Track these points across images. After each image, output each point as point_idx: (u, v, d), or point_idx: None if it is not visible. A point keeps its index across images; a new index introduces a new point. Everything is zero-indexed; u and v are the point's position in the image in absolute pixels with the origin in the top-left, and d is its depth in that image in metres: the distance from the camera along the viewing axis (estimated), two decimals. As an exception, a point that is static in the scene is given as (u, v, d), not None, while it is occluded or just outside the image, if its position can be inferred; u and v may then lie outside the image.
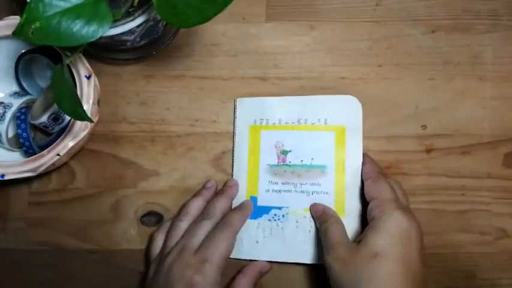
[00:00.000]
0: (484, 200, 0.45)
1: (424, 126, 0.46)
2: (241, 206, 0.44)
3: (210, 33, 0.48)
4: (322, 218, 0.42)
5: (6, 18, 0.41)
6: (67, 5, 0.34)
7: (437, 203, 0.45)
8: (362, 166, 0.44)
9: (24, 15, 0.33)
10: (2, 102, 0.43)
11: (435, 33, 0.47)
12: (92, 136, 0.46)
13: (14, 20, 0.40)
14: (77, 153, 0.45)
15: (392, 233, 0.37)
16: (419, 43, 0.47)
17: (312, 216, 0.44)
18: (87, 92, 0.40)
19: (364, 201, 0.41)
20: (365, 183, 0.42)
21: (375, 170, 0.43)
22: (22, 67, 0.45)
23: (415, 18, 0.48)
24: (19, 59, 0.44)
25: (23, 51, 0.44)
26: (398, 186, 0.43)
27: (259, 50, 0.48)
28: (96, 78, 0.41)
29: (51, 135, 0.44)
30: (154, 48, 0.47)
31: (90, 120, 0.37)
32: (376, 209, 0.39)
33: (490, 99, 0.47)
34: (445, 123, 0.46)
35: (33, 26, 0.33)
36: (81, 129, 0.40)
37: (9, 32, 0.37)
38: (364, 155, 0.44)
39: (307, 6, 0.48)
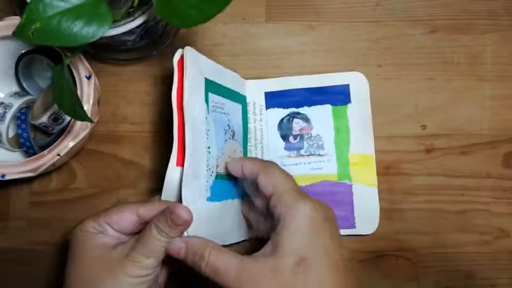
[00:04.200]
0: (484, 200, 0.45)
1: (423, 126, 0.46)
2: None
3: (210, 34, 0.48)
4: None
5: (6, 18, 0.41)
6: (67, 5, 0.34)
7: (437, 203, 0.45)
8: (241, 168, 0.38)
9: (24, 16, 0.33)
10: (2, 103, 0.43)
11: (435, 33, 0.47)
12: (92, 136, 0.46)
13: (14, 21, 0.40)
14: (77, 153, 0.45)
15: (308, 229, 0.32)
16: (419, 43, 0.47)
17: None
18: (87, 92, 0.40)
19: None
20: (257, 181, 0.36)
21: (259, 163, 0.37)
22: (22, 67, 0.45)
23: (415, 18, 0.48)
24: (19, 59, 0.44)
25: (23, 51, 0.44)
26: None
27: (259, 50, 0.48)
28: (96, 79, 0.41)
29: (51, 135, 0.44)
30: (155, 48, 0.47)
31: (90, 120, 0.37)
32: (278, 206, 0.33)
33: (489, 99, 0.47)
34: (445, 123, 0.46)
35: (33, 27, 0.33)
36: (81, 129, 0.40)
37: (9, 33, 0.37)
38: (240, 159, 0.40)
39: (307, 7, 0.48)
